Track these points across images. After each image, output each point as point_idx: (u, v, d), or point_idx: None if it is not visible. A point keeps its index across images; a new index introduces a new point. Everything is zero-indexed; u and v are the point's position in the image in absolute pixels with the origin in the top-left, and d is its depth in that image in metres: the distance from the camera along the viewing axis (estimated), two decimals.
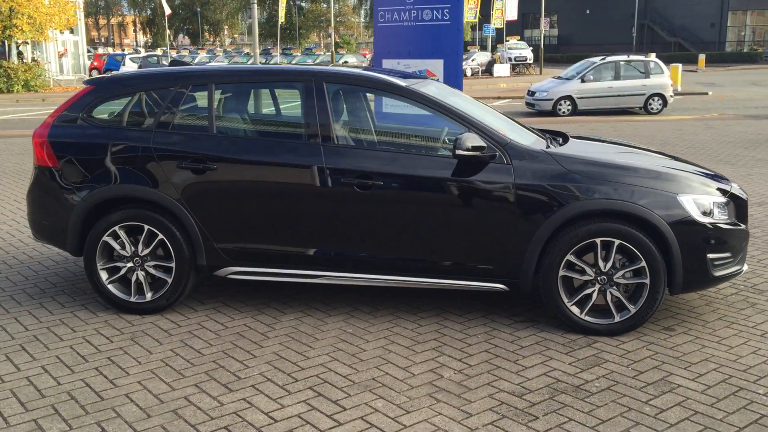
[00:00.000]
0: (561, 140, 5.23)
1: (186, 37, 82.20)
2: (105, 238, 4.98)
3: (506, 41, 46.26)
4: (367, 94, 5.52)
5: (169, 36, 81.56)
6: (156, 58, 41.61)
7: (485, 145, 4.60)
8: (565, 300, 4.62)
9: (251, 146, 4.94)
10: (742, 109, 21.14)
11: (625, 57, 21.74)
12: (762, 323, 4.82)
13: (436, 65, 13.67)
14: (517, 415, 3.63)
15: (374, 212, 4.75)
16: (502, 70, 42.03)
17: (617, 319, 4.59)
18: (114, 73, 5.55)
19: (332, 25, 40.61)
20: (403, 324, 4.85)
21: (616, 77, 20.59)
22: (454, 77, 10.86)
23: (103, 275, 5.04)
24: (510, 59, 43.29)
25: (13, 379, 4.08)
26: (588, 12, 61.56)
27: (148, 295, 5.02)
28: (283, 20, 31.98)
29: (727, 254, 4.67)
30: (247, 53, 54.25)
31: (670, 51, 55.18)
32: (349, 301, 5.26)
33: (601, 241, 4.53)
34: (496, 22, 47.04)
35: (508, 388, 3.93)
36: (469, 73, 42.14)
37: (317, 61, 39.78)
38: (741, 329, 4.72)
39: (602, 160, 4.78)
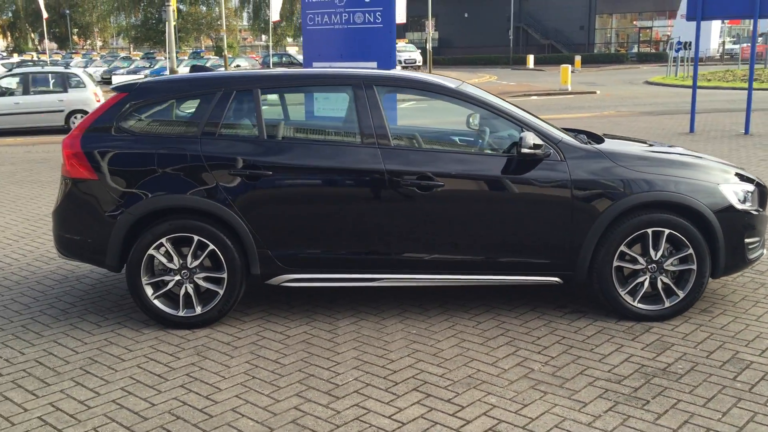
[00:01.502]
0: (597, 139, 5.45)
1: (52, 41, 77.96)
2: (150, 251, 4.77)
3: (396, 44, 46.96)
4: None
5: (33, 40, 77.17)
6: (32, 63, 39.28)
7: (543, 143, 4.76)
8: (619, 289, 4.85)
9: (306, 151, 4.86)
10: (632, 106, 22.46)
11: (39, 68, 19.04)
12: None
13: (369, 67, 13.82)
14: (629, 400, 3.80)
15: (434, 213, 4.80)
16: None
17: (667, 304, 4.87)
18: (147, 78, 5.28)
19: (224, 28, 39.73)
20: (462, 322, 4.93)
21: (26, 91, 17.95)
22: None
23: (149, 290, 4.82)
24: (400, 62, 44.00)
25: (100, 404, 3.85)
26: (466, 15, 63.43)
27: (198, 309, 4.84)
28: (174, 22, 30.91)
29: (757, 238, 5.06)
30: (126, 57, 52.18)
31: (544, 53, 57.73)
32: (395, 302, 5.27)
33: (652, 231, 4.79)
34: None
35: (603, 376, 4.09)
36: None
37: (207, 64, 38.78)
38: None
39: (647, 155, 5.05)
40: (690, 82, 31.59)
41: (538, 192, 4.80)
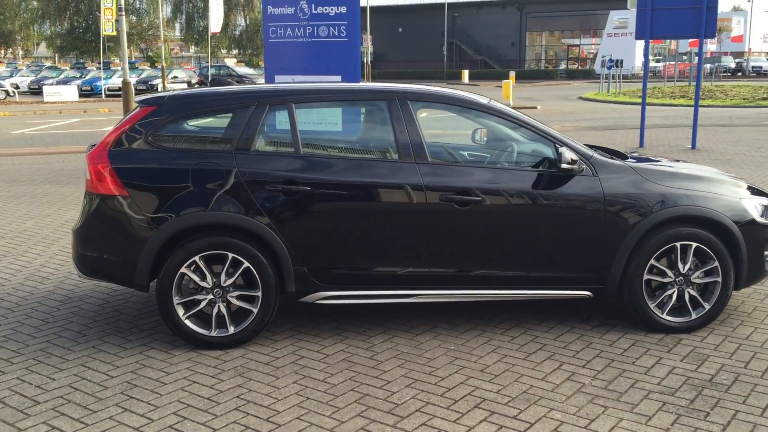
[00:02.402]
0: (620, 155, 5.54)
1: None
2: (183, 269, 4.61)
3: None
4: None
5: None
6: None
7: (578, 158, 4.83)
8: (649, 302, 4.95)
9: (344, 167, 4.79)
10: (575, 122, 23.09)
11: None
12: None
13: (334, 81, 13.79)
14: (690, 413, 3.87)
15: (470, 228, 4.81)
16: None
17: (694, 316, 4.99)
18: (175, 92, 5.11)
19: (162, 38, 38.87)
20: (497, 337, 4.93)
21: None
22: None
23: (180, 310, 4.65)
24: None
25: (157, 430, 3.68)
26: (400, 30, 64.11)
27: (231, 329, 4.70)
28: (106, 33, 30.01)
29: None
30: (52, 66, 50.51)
31: (477, 68, 58.90)
32: (423, 318, 5.24)
33: (680, 244, 4.91)
34: None
35: (655, 389, 4.16)
36: None
37: (142, 76, 37.95)
38: None
39: (673, 170, 5.19)
40: (622, 99, 32.93)
41: (573, 207, 4.86)
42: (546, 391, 4.15)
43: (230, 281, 4.66)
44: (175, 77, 38.48)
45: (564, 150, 4.77)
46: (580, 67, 60.53)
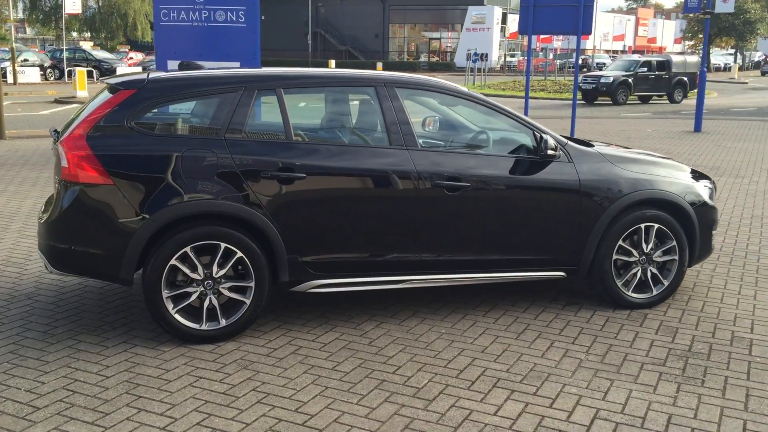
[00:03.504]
0: (586, 143, 5.78)
1: None
2: (173, 261, 4.39)
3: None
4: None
5: None
6: None
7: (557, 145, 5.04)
8: (617, 281, 5.26)
9: (337, 153, 4.73)
10: None
11: None
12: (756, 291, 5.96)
13: (233, 68, 13.44)
14: (687, 381, 4.15)
15: (458, 214, 4.90)
16: None
17: (655, 292, 5.35)
18: (156, 75, 4.80)
19: (11, 17, 35.96)
20: (482, 321, 5.06)
21: None
22: None
23: (169, 304, 4.43)
24: None
25: (186, 428, 3.51)
26: (264, 18, 62.97)
27: (223, 321, 4.54)
28: None
29: (715, 230, 5.72)
30: None
31: (342, 58, 59.00)
32: (400, 304, 5.29)
33: (644, 226, 5.25)
34: None
35: (646, 360, 4.43)
36: None
37: None
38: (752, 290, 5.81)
39: (638, 157, 5.52)
40: (487, 91, 34.26)
41: (552, 192, 5.07)
42: (550, 367, 4.32)
43: (222, 272, 4.50)
44: (26, 60, 35.89)
45: (548, 137, 4.96)
46: (441, 60, 62.17)
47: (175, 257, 4.39)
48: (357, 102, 5.17)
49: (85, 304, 5.24)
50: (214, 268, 4.48)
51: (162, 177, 4.38)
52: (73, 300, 5.32)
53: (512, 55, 59.00)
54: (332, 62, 50.85)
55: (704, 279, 6.07)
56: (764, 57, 75.87)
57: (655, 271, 5.34)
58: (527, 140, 5.15)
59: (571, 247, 5.16)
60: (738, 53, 69.68)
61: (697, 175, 5.75)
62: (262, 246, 4.56)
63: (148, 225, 4.34)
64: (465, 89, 5.23)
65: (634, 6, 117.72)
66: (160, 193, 4.36)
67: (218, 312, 4.53)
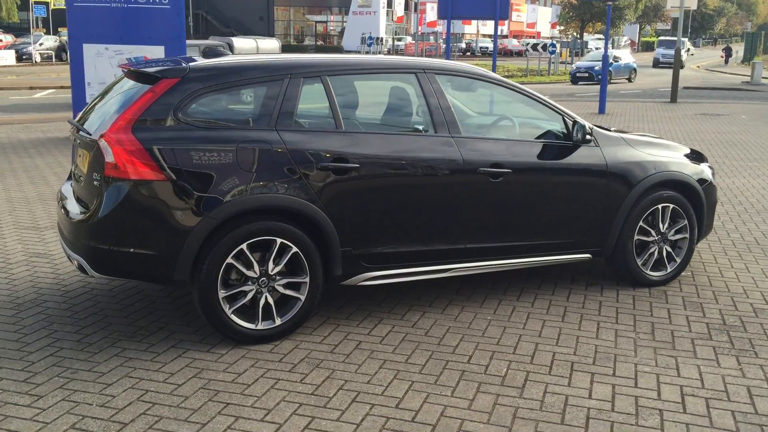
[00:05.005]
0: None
1: None
2: (229, 259, 4.16)
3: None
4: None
5: None
6: None
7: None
8: (637, 260, 5.45)
9: (386, 142, 4.61)
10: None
11: None
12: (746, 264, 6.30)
13: (156, 52, 12.96)
14: (741, 353, 4.36)
15: (500, 200, 4.91)
16: None
17: (669, 269, 5.58)
18: (196, 63, 4.46)
19: None
20: (520, 305, 5.12)
21: None
22: None
23: (225, 305, 4.21)
24: None
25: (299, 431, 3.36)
26: None
27: (278, 320, 4.35)
28: None
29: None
30: None
31: None
32: (433, 293, 5.26)
33: (662, 206, 5.45)
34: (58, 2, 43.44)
35: (693, 336, 4.60)
36: (38, 58, 38.52)
37: None
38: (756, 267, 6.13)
39: (651, 140, 5.70)
40: None
41: (584, 175, 5.17)
42: (612, 348, 4.42)
43: (277, 269, 4.30)
44: None
45: (584, 123, 5.05)
46: (328, 44, 61.81)
47: (231, 255, 4.16)
48: (400, 89, 5.06)
49: (102, 308, 4.88)
50: (270, 264, 4.28)
51: (218, 171, 4.12)
52: (86, 303, 4.94)
53: (399, 39, 59.46)
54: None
55: (694, 255, 6.39)
56: (629, 41, 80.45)
57: (669, 249, 5.57)
58: (557, 126, 5.22)
59: (598, 229, 5.28)
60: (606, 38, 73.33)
61: (697, 155, 6.03)
62: (315, 240, 4.40)
63: (206, 222, 4.08)
64: (498, 76, 5.22)
65: None
66: (217, 188, 4.11)
67: (273, 310, 4.34)
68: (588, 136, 5.07)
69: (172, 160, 4.05)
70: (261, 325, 4.31)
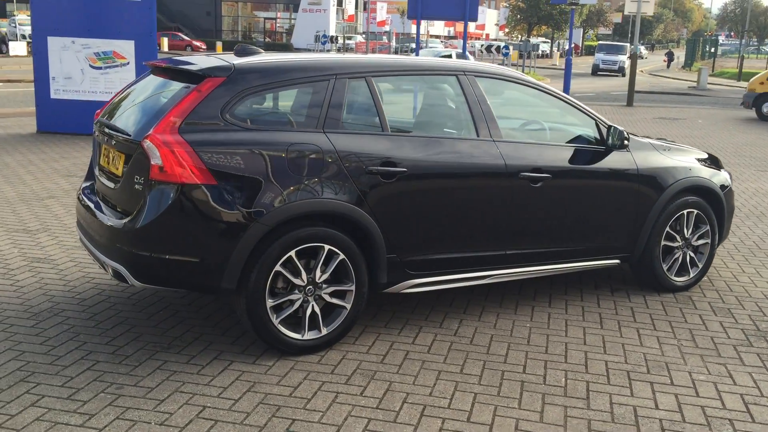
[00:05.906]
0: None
1: None
2: (278, 267, 3.98)
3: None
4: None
5: None
6: None
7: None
8: (663, 266, 5.45)
9: (433, 146, 4.47)
10: None
11: None
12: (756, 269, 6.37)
13: (126, 46, 12.52)
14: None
15: (539, 206, 4.84)
16: (19, 48, 38.08)
17: (692, 275, 5.60)
18: (240, 61, 4.22)
19: None
20: (556, 313, 5.06)
21: None
22: (148, 59, 9.92)
23: (272, 315, 4.02)
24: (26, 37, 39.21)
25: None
26: None
27: (324, 330, 4.18)
28: None
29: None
30: None
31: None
32: (465, 299, 5.16)
33: (687, 212, 5.47)
34: None
35: (734, 342, 4.61)
36: None
37: None
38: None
39: (678, 147, 5.71)
40: None
41: (617, 180, 5.15)
42: (659, 356, 4.38)
43: (324, 276, 4.13)
44: None
45: (620, 128, 5.02)
46: (276, 41, 61.16)
47: (279, 263, 3.97)
48: (441, 91, 4.93)
49: (126, 317, 4.62)
50: (317, 272, 4.10)
51: (268, 174, 3.93)
52: (108, 312, 4.68)
53: (350, 38, 59.24)
54: (165, 40, 48.47)
55: None
56: (573, 45, 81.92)
57: (692, 254, 5.59)
58: (590, 130, 5.18)
59: (628, 234, 5.26)
60: (552, 41, 74.53)
61: (714, 160, 6.07)
62: (361, 246, 4.24)
63: (257, 228, 3.88)
64: (533, 80, 5.15)
65: None
66: (267, 192, 3.91)
67: (319, 319, 4.16)
68: (626, 141, 5.05)
69: (221, 163, 3.84)
70: (308, 335, 4.14)
